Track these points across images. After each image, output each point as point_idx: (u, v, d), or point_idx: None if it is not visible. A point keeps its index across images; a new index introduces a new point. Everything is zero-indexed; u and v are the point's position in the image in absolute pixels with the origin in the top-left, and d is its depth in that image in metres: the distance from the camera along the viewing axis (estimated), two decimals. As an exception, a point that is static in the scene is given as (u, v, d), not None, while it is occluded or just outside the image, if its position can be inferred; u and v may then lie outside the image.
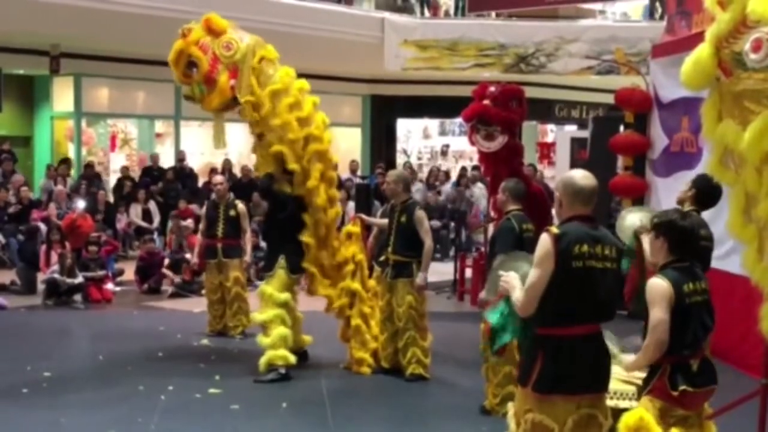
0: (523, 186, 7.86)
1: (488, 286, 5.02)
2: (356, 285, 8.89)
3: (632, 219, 6.17)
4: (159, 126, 21.12)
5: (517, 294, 4.47)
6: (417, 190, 15.10)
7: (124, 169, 18.97)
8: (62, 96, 19.06)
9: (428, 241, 8.42)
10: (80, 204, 14.96)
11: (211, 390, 8.04)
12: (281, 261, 8.76)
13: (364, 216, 9.78)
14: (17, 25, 15.23)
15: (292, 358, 8.56)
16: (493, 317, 4.73)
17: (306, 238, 8.76)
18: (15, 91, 18.80)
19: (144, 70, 18.82)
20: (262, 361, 8.48)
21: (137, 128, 21.24)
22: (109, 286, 13.22)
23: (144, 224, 16.88)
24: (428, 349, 8.58)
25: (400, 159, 23.12)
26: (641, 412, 4.62)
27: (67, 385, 8.22)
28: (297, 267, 8.81)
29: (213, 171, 18.07)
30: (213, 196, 11.04)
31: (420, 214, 8.49)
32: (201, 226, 11.09)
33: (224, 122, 9.12)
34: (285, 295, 8.70)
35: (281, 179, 8.79)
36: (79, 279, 12.48)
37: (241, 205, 10.82)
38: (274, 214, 9.02)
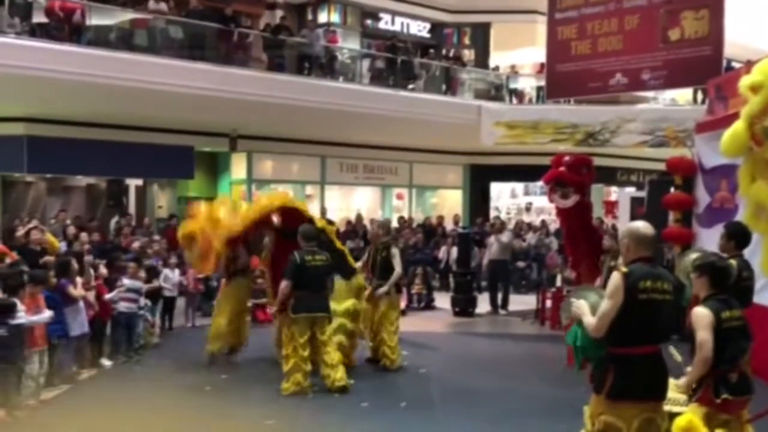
0: (313, 228, 8.21)
1: (564, 312, 4.95)
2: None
3: (690, 259, 5.92)
4: (309, 189, 21.60)
5: (588, 319, 4.39)
6: (507, 236, 15.02)
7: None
8: (238, 167, 19.72)
9: (397, 269, 8.97)
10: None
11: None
12: None
13: None
14: (206, 114, 15.95)
15: None
16: (569, 338, 4.68)
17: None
18: (204, 164, 19.53)
19: (298, 148, 19.39)
20: None
21: (293, 190, 21.71)
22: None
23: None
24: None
25: (492, 213, 22.96)
26: (690, 416, 4.47)
27: None
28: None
29: (348, 223, 18.33)
30: None
31: (394, 250, 9.06)
32: None
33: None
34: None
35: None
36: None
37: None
38: None
